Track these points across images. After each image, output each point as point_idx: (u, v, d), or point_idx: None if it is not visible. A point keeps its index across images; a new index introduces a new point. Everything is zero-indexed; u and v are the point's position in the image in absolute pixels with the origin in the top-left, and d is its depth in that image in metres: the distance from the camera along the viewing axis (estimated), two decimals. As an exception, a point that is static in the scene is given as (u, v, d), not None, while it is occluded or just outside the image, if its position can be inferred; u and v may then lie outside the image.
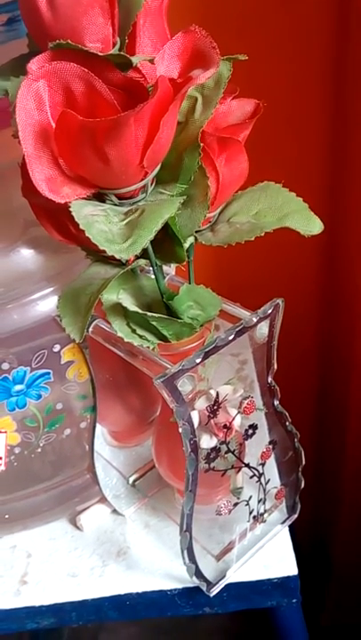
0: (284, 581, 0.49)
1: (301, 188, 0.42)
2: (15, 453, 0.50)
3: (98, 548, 0.53)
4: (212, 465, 0.44)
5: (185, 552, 0.45)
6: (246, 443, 0.46)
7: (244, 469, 0.46)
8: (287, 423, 0.48)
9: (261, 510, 0.49)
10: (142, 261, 0.42)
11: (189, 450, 0.41)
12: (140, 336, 0.41)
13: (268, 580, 0.49)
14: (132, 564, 0.51)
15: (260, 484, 0.48)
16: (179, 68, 0.37)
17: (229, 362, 0.44)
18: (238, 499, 0.47)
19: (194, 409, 0.42)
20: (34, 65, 0.33)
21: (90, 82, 0.33)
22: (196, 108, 0.38)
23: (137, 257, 0.42)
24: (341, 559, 0.90)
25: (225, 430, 0.43)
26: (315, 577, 0.87)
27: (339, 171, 0.69)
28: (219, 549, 0.50)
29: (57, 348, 0.46)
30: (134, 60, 0.35)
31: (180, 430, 0.41)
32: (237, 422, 0.44)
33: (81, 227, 0.34)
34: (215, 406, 0.42)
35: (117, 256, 0.34)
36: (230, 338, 0.41)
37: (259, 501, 0.48)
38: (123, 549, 0.53)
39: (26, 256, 0.46)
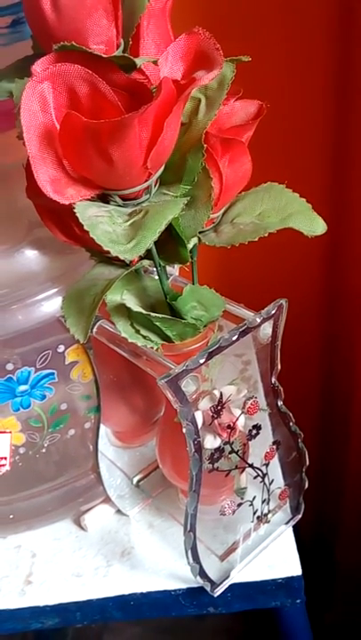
0: (289, 581, 0.49)
1: (305, 188, 0.42)
2: (20, 453, 0.50)
3: (102, 548, 0.53)
4: (215, 465, 0.44)
5: (189, 552, 0.45)
6: (250, 443, 0.46)
7: (248, 470, 0.46)
8: (291, 423, 0.48)
9: (265, 510, 0.49)
10: (146, 262, 0.42)
11: (193, 450, 0.41)
12: (144, 336, 0.42)
13: (273, 580, 0.49)
14: (136, 564, 0.51)
15: (264, 484, 0.48)
16: (182, 70, 0.37)
17: (233, 362, 0.44)
18: (242, 499, 0.47)
19: (198, 409, 0.42)
20: (38, 67, 0.34)
21: (94, 83, 0.34)
22: (200, 110, 0.38)
23: (141, 258, 0.42)
24: (346, 559, 0.90)
25: (229, 430, 0.43)
26: (319, 577, 0.87)
27: (342, 171, 0.69)
28: (223, 549, 0.50)
29: (61, 348, 0.46)
30: (138, 61, 0.36)
31: (184, 430, 0.41)
32: (241, 423, 0.44)
33: (85, 228, 0.34)
34: (219, 406, 0.42)
35: (121, 257, 0.34)
36: (234, 338, 0.41)
37: (263, 502, 0.49)
38: (127, 549, 0.53)
39: (30, 257, 0.46)
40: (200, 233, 0.42)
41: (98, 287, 0.41)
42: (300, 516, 0.52)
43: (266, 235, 0.40)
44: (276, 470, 0.49)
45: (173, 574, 0.50)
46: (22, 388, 0.47)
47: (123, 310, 0.42)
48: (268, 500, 0.49)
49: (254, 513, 0.48)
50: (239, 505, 0.47)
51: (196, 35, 0.36)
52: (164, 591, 0.49)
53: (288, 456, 0.50)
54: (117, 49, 0.36)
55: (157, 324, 0.41)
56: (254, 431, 0.45)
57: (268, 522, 0.50)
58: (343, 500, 0.87)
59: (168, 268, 0.45)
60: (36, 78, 0.33)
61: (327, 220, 0.41)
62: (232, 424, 0.43)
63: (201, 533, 0.45)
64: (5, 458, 0.49)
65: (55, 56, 0.34)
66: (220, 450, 0.43)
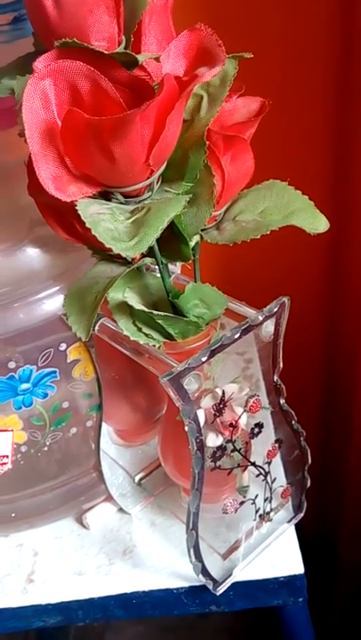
0: (291, 580, 0.49)
1: (307, 186, 0.42)
2: (22, 452, 0.50)
3: (104, 546, 0.53)
4: (218, 463, 0.44)
5: (191, 550, 0.45)
6: (252, 441, 0.46)
7: (250, 468, 0.46)
8: (293, 422, 0.48)
9: (268, 509, 0.49)
10: (148, 260, 0.42)
11: (195, 448, 0.41)
12: (146, 334, 0.41)
13: (275, 578, 0.49)
14: (138, 563, 0.51)
15: (267, 482, 0.48)
16: (184, 66, 0.37)
17: (235, 360, 0.44)
18: (244, 497, 0.47)
19: (200, 407, 0.42)
20: (40, 63, 0.33)
21: (96, 80, 0.33)
22: (202, 106, 0.38)
23: (143, 255, 0.42)
24: (348, 557, 0.90)
25: (231, 429, 0.43)
26: (322, 575, 0.87)
27: (344, 169, 0.69)
28: (225, 548, 0.50)
29: (63, 346, 0.46)
30: (140, 58, 0.35)
31: (187, 429, 0.41)
32: (243, 421, 0.44)
33: (87, 225, 0.34)
34: (221, 405, 0.42)
35: (123, 254, 0.34)
36: (236, 336, 0.40)
37: (265, 500, 0.48)
38: (129, 548, 0.53)
39: (32, 255, 0.46)
40: (202, 230, 0.42)
41: (100, 285, 0.41)
42: (302, 515, 0.52)
43: (268, 232, 0.40)
44: (278, 468, 0.49)
45: (176, 573, 0.50)
46: (24, 386, 0.47)
47: (125, 308, 0.42)
48: (271, 498, 0.49)
49: (257, 511, 0.48)
50: (241, 503, 0.46)
51: (199, 31, 0.36)
52: (167, 589, 0.49)
53: (290, 454, 0.49)
54: (119, 45, 0.36)
55: (159, 321, 0.41)
56: (256, 429, 0.45)
57: (271, 520, 0.50)
58: (346, 499, 0.87)
59: (170, 266, 0.45)
60: (37, 75, 0.33)
61: (330, 218, 0.41)
62: (234, 422, 0.43)
63: (203, 532, 0.45)
64: (7, 456, 0.49)
65: (57, 53, 0.34)
66: (222, 448, 0.43)
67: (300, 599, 0.49)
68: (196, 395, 0.40)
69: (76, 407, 0.50)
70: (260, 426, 0.45)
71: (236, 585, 0.49)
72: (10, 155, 0.43)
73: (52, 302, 0.44)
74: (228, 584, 0.49)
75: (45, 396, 0.48)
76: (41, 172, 0.35)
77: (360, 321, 0.74)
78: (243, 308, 0.43)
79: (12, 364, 0.45)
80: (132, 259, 0.42)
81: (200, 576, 0.47)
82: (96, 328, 0.44)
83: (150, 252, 0.41)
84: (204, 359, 0.39)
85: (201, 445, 0.42)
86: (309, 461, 0.50)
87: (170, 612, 0.50)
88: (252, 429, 0.45)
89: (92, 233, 0.34)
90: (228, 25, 0.44)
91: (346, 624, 0.90)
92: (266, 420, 0.46)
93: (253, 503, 0.48)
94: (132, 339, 0.41)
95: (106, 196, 0.37)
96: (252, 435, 0.45)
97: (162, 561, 0.51)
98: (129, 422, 0.55)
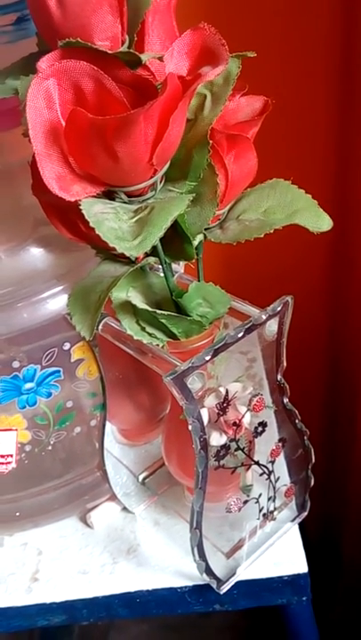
0: (295, 579, 0.49)
1: (310, 184, 0.42)
2: (26, 451, 0.50)
3: (108, 545, 0.53)
4: (221, 462, 0.44)
5: (195, 549, 0.45)
6: (256, 440, 0.46)
7: (254, 467, 0.46)
8: (297, 421, 0.48)
9: (271, 508, 0.49)
10: (152, 259, 0.42)
11: (199, 447, 0.41)
12: (150, 334, 0.41)
13: (279, 577, 0.49)
14: (142, 562, 0.52)
15: (270, 481, 0.48)
16: (188, 66, 0.37)
17: (238, 359, 0.44)
18: (248, 496, 0.47)
19: (203, 406, 0.42)
20: (43, 63, 0.33)
21: (99, 80, 0.33)
22: (205, 106, 0.38)
23: (146, 255, 0.42)
24: (352, 556, 0.90)
25: (234, 428, 0.43)
26: (325, 574, 0.87)
27: (347, 167, 0.69)
28: (229, 547, 0.50)
29: (67, 346, 0.46)
30: (143, 57, 0.35)
31: (190, 428, 0.41)
32: (247, 420, 0.44)
33: (91, 224, 0.34)
34: (225, 404, 0.42)
35: (127, 253, 0.34)
36: (239, 335, 0.40)
37: (268, 499, 0.48)
38: (133, 547, 0.53)
39: (36, 254, 0.46)
40: (206, 230, 0.42)
41: (103, 284, 0.41)
42: (306, 514, 0.52)
43: (271, 231, 0.40)
44: (281, 468, 0.49)
45: (179, 571, 0.50)
46: (28, 385, 0.47)
47: (128, 307, 0.42)
48: (274, 497, 0.49)
49: (260, 510, 0.48)
50: (245, 502, 0.46)
51: (202, 30, 0.36)
52: (170, 588, 0.49)
53: (294, 453, 0.49)
54: (122, 45, 0.36)
55: (163, 321, 0.41)
56: (260, 428, 0.45)
57: (274, 519, 0.50)
58: (349, 498, 0.87)
59: (173, 265, 0.45)
60: (41, 75, 0.33)
61: (333, 217, 0.41)
62: (238, 421, 0.43)
63: (207, 531, 0.45)
64: (11, 455, 0.49)
65: (60, 52, 0.34)
66: (225, 447, 0.43)
67: (304, 598, 0.49)
68: (199, 394, 0.41)
69: (79, 406, 0.50)
70: (263, 425, 0.45)
71: (239, 584, 0.49)
72: (14, 155, 0.44)
73: (55, 302, 0.44)
74: (232, 583, 0.49)
75: (49, 395, 0.48)
76: (45, 171, 0.35)
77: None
78: (246, 307, 0.43)
79: (16, 364, 0.45)
80: (136, 258, 0.42)
81: (204, 575, 0.47)
82: (100, 327, 0.44)
83: (154, 252, 0.41)
84: (207, 358, 0.39)
85: (205, 444, 0.42)
86: (313, 460, 0.50)
87: (174, 610, 0.50)
88: (256, 428, 0.45)
89: (96, 232, 0.34)
90: (232, 24, 0.44)
91: (350, 622, 0.90)
92: (269, 418, 0.46)
93: (257, 502, 0.48)
94: (135, 338, 0.41)
95: (109, 195, 0.38)
96: (256, 434, 0.45)
97: (166, 560, 0.51)
98: (133, 421, 0.55)
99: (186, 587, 0.49)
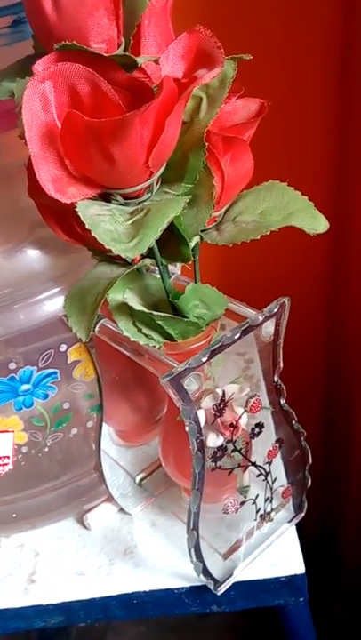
0: (292, 580, 0.49)
1: (307, 186, 0.42)
2: (22, 452, 0.50)
3: (105, 546, 0.53)
4: (218, 463, 0.44)
5: (192, 550, 0.45)
6: (253, 441, 0.46)
7: (251, 468, 0.46)
8: (294, 422, 0.48)
9: (268, 509, 0.49)
10: (148, 261, 0.42)
11: (196, 448, 0.41)
12: (146, 335, 0.42)
13: (276, 578, 0.49)
14: (139, 563, 0.52)
15: (267, 482, 0.48)
16: (183, 68, 0.37)
17: (235, 361, 0.44)
18: (245, 497, 0.47)
19: (200, 408, 0.42)
20: (39, 66, 0.34)
21: (95, 82, 0.34)
22: (201, 108, 0.38)
23: (143, 256, 0.42)
24: (350, 557, 0.90)
25: (231, 429, 0.43)
26: (323, 574, 0.87)
27: (344, 169, 0.69)
28: (226, 548, 0.50)
29: (63, 347, 0.46)
30: (139, 60, 0.36)
31: (187, 429, 0.41)
32: (244, 421, 0.44)
33: (87, 227, 0.34)
34: (221, 405, 0.42)
35: (123, 255, 0.34)
36: (236, 337, 0.41)
37: (265, 500, 0.49)
38: (130, 548, 0.53)
39: (32, 256, 0.46)
40: (202, 231, 0.42)
41: (100, 286, 0.41)
42: (303, 514, 0.52)
43: (268, 233, 0.40)
44: (278, 468, 0.49)
45: (176, 573, 0.50)
46: (25, 387, 0.47)
47: (125, 309, 0.42)
48: (271, 498, 0.49)
49: (257, 511, 0.48)
50: (242, 503, 0.47)
51: (198, 33, 0.36)
52: (168, 590, 0.49)
53: (291, 454, 0.50)
54: (118, 48, 0.36)
55: (160, 322, 0.41)
56: (257, 429, 0.45)
57: (272, 520, 0.50)
58: (347, 498, 0.87)
59: (170, 267, 0.45)
60: (37, 77, 0.33)
61: (329, 218, 0.41)
62: (235, 422, 0.43)
63: (204, 532, 0.45)
64: (8, 457, 0.49)
65: (56, 55, 0.34)
66: (222, 448, 0.43)
67: (301, 599, 0.50)
68: (196, 395, 0.41)
69: (76, 408, 0.50)
70: (260, 426, 0.45)
71: (236, 585, 0.49)
72: (10, 157, 0.44)
73: (52, 303, 0.44)
74: (229, 584, 0.49)
75: (46, 396, 0.48)
76: (41, 173, 0.35)
77: (360, 321, 0.74)
78: (243, 308, 0.43)
79: (12, 365, 0.45)
80: (132, 260, 0.42)
81: (201, 576, 0.47)
82: (96, 329, 0.44)
83: (150, 253, 0.41)
84: (204, 359, 0.39)
85: (201, 446, 0.42)
86: (310, 461, 0.50)
87: (171, 611, 0.50)
88: (253, 429, 0.45)
89: (92, 234, 0.34)
90: (229, 26, 0.44)
91: (348, 623, 0.90)
92: (266, 420, 0.46)
93: (254, 503, 0.48)
94: (132, 339, 0.41)
95: (106, 197, 0.38)
96: (253, 435, 0.45)
97: (163, 561, 0.51)
98: (130, 423, 0.55)
99: (183, 588, 0.49)
